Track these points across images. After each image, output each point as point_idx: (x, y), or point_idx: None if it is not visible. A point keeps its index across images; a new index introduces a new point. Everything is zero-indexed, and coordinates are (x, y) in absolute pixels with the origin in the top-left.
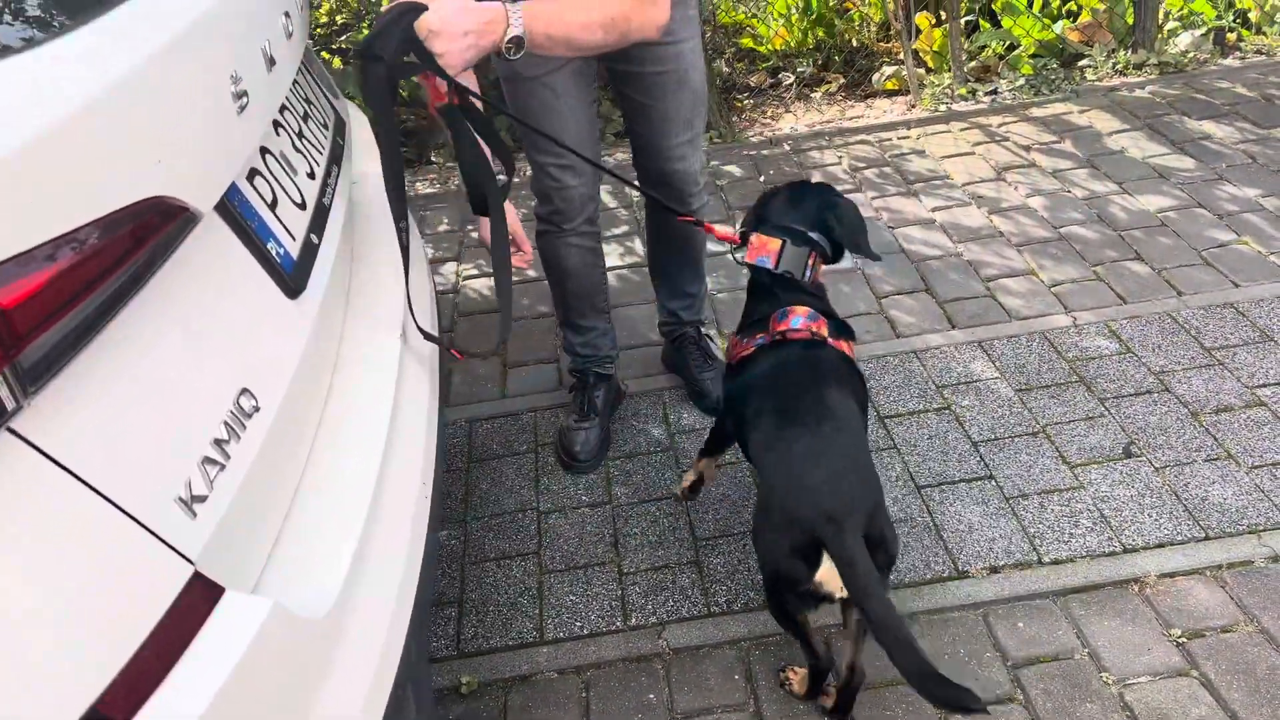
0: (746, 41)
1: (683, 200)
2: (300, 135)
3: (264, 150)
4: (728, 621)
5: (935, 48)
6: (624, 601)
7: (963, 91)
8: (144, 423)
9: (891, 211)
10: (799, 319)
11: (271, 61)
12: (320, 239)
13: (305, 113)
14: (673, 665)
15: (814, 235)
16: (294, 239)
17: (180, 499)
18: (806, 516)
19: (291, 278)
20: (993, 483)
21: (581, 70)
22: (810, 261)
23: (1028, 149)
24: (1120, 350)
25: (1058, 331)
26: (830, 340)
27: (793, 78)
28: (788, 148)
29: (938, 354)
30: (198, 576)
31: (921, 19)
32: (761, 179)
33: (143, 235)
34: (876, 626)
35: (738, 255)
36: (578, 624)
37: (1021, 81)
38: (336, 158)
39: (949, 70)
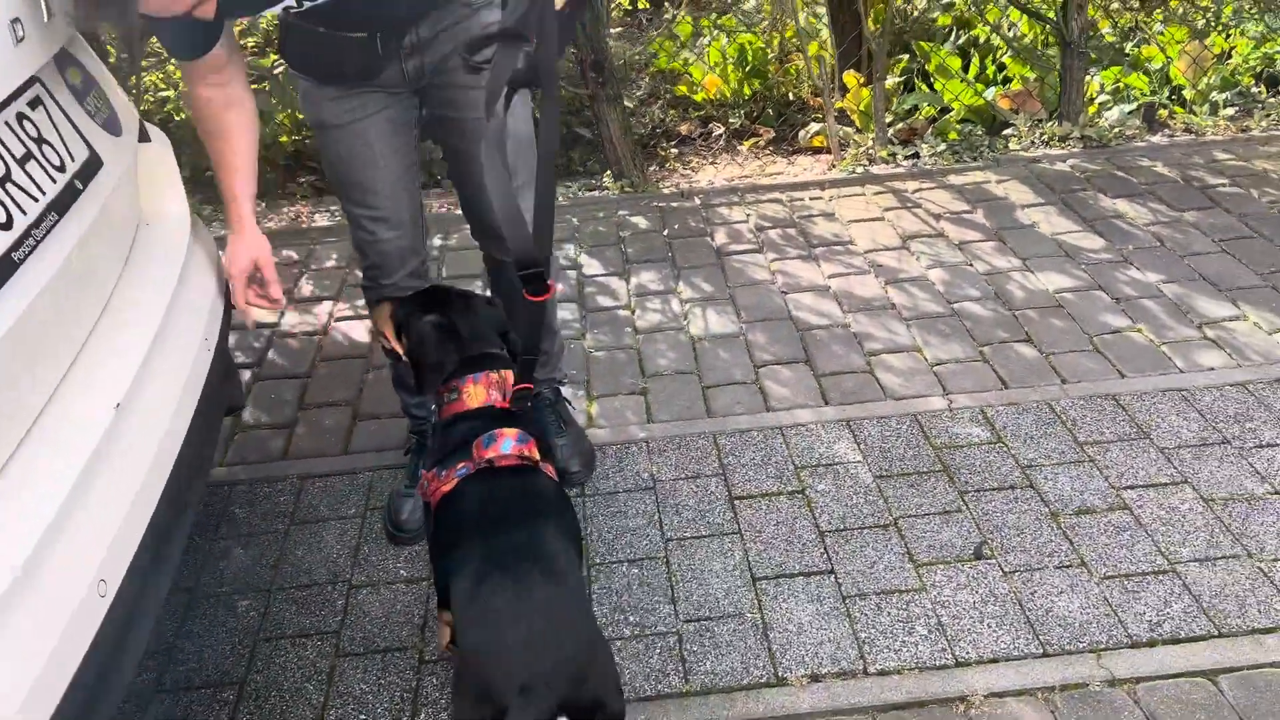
0: (681, 89)
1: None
2: (3, 180)
3: None
4: None
5: (862, 107)
6: (416, 694)
7: (883, 154)
8: None
9: (787, 276)
10: (509, 443)
11: None
12: None
13: (25, 154)
14: None
15: (500, 351)
16: None
17: None
18: (497, 688)
19: None
20: (832, 578)
21: (396, 118)
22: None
23: (938, 218)
24: (991, 439)
25: (930, 415)
26: (541, 464)
27: (723, 128)
28: (698, 201)
29: (804, 431)
30: None
31: (850, 77)
32: (665, 232)
33: None
34: None
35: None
36: (361, 717)
37: (944, 147)
38: (61, 206)
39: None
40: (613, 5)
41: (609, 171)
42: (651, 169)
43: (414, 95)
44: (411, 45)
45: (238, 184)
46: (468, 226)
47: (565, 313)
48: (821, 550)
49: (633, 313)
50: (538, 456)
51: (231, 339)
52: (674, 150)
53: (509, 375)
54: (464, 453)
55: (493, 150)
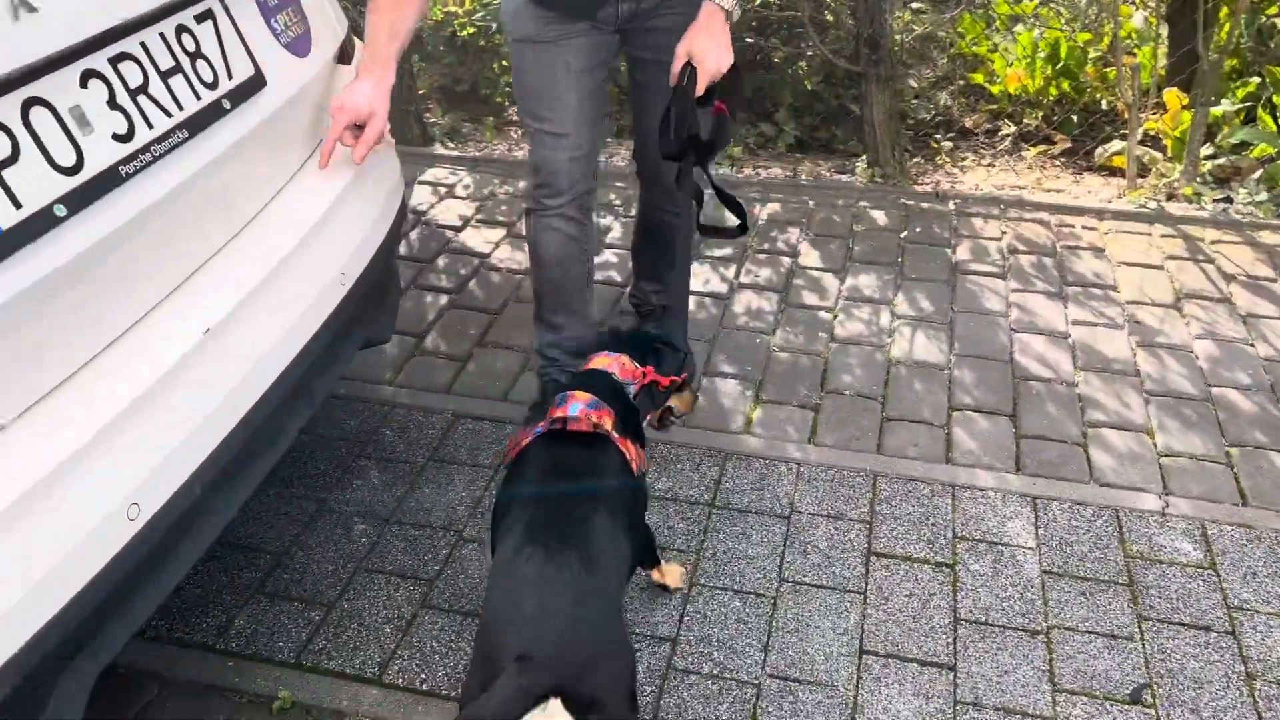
0: (978, 77)
1: (674, 200)
2: (137, 90)
3: (32, 101)
4: None
5: (1178, 132)
6: None
7: (1188, 191)
8: None
9: (1024, 312)
10: (578, 405)
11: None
12: (74, 210)
13: (172, 67)
14: None
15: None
16: (18, 207)
17: None
18: (497, 652)
19: None
20: (950, 676)
21: (596, 50)
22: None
23: (1230, 279)
24: (1202, 563)
25: (1137, 514)
26: (615, 437)
27: (1013, 129)
28: (952, 206)
29: (979, 497)
30: None
31: (1171, 95)
32: (903, 235)
33: None
34: None
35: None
36: (421, 676)
37: (1266, 197)
38: (198, 124)
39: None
40: None
41: (864, 157)
42: (915, 161)
43: (615, 34)
44: None
45: (391, 43)
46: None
47: (763, 302)
48: (950, 640)
49: (835, 317)
50: (609, 426)
51: (443, 260)
52: (948, 144)
53: (633, 364)
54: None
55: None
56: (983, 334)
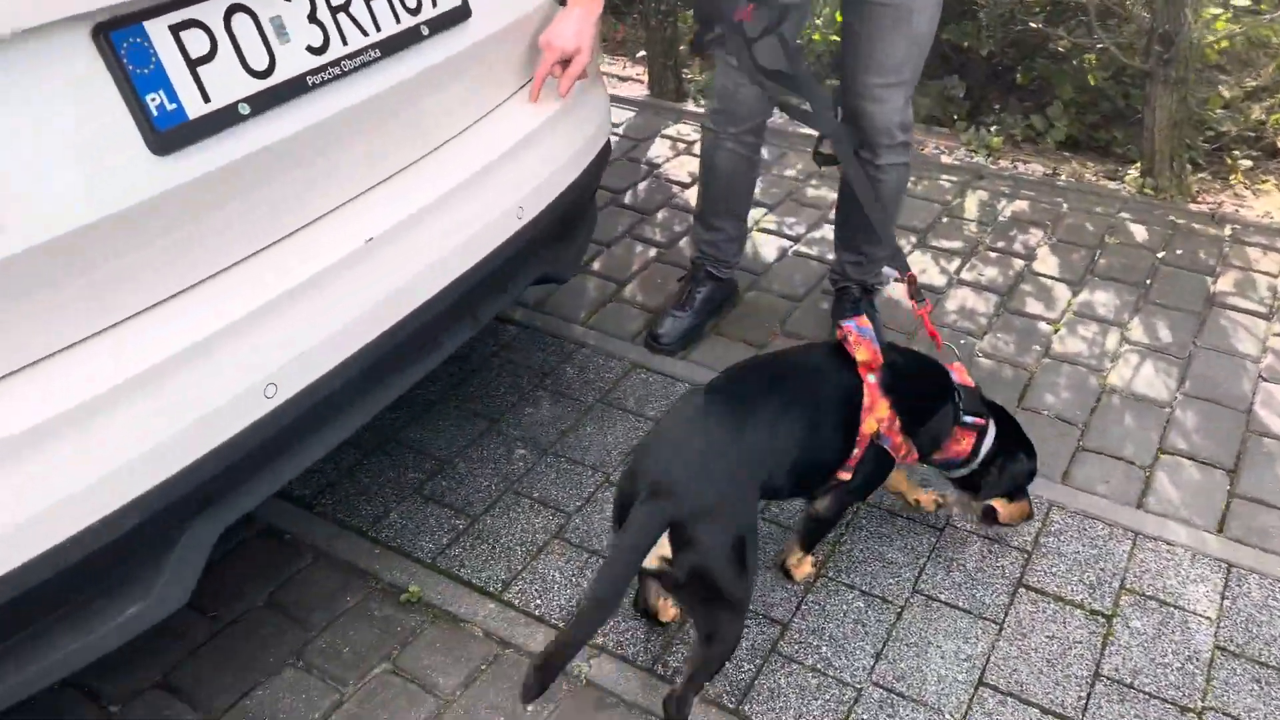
0: None
1: (871, 149)
2: (339, 8)
3: (236, 7)
4: (657, 687)
5: None
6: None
7: None
8: None
9: (1278, 356)
10: (853, 323)
11: None
12: (258, 110)
13: None
14: (572, 696)
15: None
16: (206, 100)
17: None
18: (639, 472)
19: (165, 134)
20: None
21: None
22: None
23: None
24: None
25: None
26: (871, 383)
27: None
28: (1228, 232)
29: (1164, 552)
30: None
31: None
32: (1160, 255)
33: None
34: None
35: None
36: (536, 601)
37: None
38: (392, 46)
39: None
40: None
41: (1138, 165)
42: (1200, 176)
43: None
44: None
45: None
46: None
47: (980, 302)
48: (1083, 694)
49: (1056, 330)
50: (864, 357)
51: (662, 214)
52: (1247, 162)
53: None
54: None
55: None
56: (1222, 376)
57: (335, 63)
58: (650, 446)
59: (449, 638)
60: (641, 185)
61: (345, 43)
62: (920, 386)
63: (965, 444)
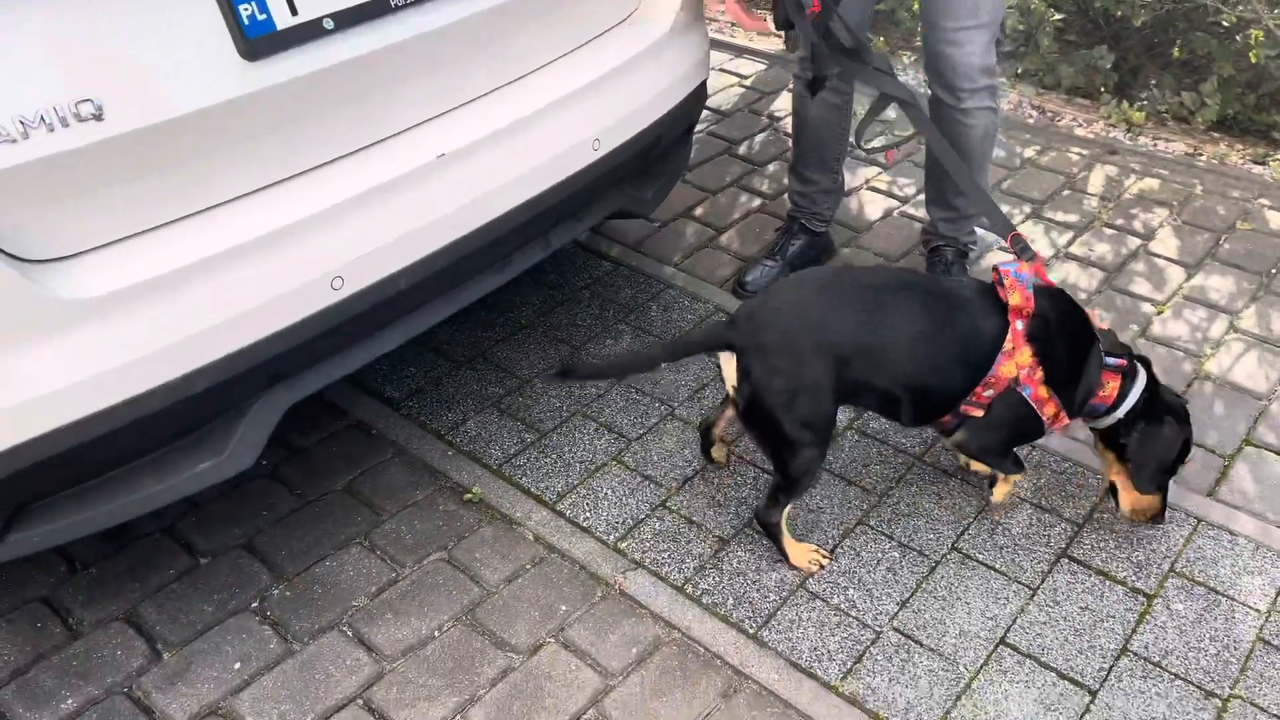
0: None
1: (953, 93)
2: None
3: None
4: (685, 605)
5: None
6: (635, 527)
7: None
8: None
9: None
10: (1013, 266)
11: None
12: (341, 27)
13: None
14: (605, 601)
15: None
16: (293, 12)
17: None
18: (739, 314)
19: (256, 42)
20: (1085, 699)
21: None
22: (1122, 364)
23: None
24: None
25: None
26: (1014, 336)
27: None
28: None
29: (1224, 540)
30: None
31: None
32: None
33: None
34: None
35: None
36: (585, 514)
37: None
38: None
39: None
40: None
41: None
42: None
43: None
44: None
45: None
46: None
47: (1084, 277)
48: (1105, 666)
49: (1160, 313)
50: (1016, 301)
51: (772, 167)
52: None
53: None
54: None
55: None
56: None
57: None
58: (760, 295)
59: (502, 537)
60: (759, 137)
61: None
62: (1066, 337)
63: (1110, 388)
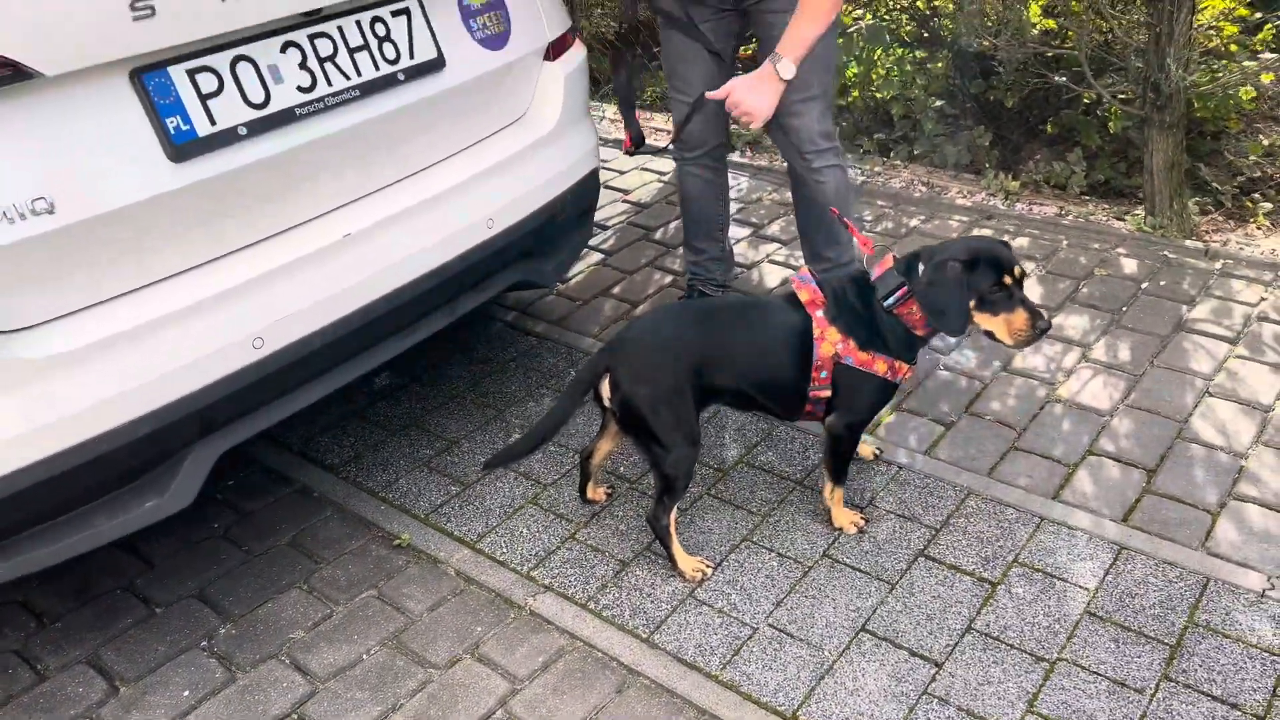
0: None
1: (802, 157)
2: (326, 59)
3: (240, 57)
4: (587, 619)
5: None
6: (545, 558)
7: None
8: None
9: (1234, 378)
10: (797, 275)
11: None
12: (253, 133)
13: (360, 45)
14: (517, 621)
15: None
16: (212, 123)
17: None
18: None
19: (181, 148)
20: (931, 670)
21: (719, 30)
22: (899, 292)
23: None
24: (1273, 648)
25: (1228, 588)
26: (818, 324)
27: None
28: (1218, 266)
29: (1062, 534)
30: None
31: None
32: (1144, 285)
33: None
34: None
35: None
36: (502, 550)
37: None
38: (371, 88)
39: None
40: (1192, 24)
41: (1144, 205)
42: (1211, 218)
43: (740, 15)
44: None
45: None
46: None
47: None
48: (950, 643)
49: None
50: (805, 297)
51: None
52: (1267, 205)
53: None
54: None
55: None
56: (1168, 391)
57: (320, 99)
58: (625, 327)
59: (427, 575)
60: (673, 224)
61: (330, 84)
62: (858, 305)
63: (913, 316)
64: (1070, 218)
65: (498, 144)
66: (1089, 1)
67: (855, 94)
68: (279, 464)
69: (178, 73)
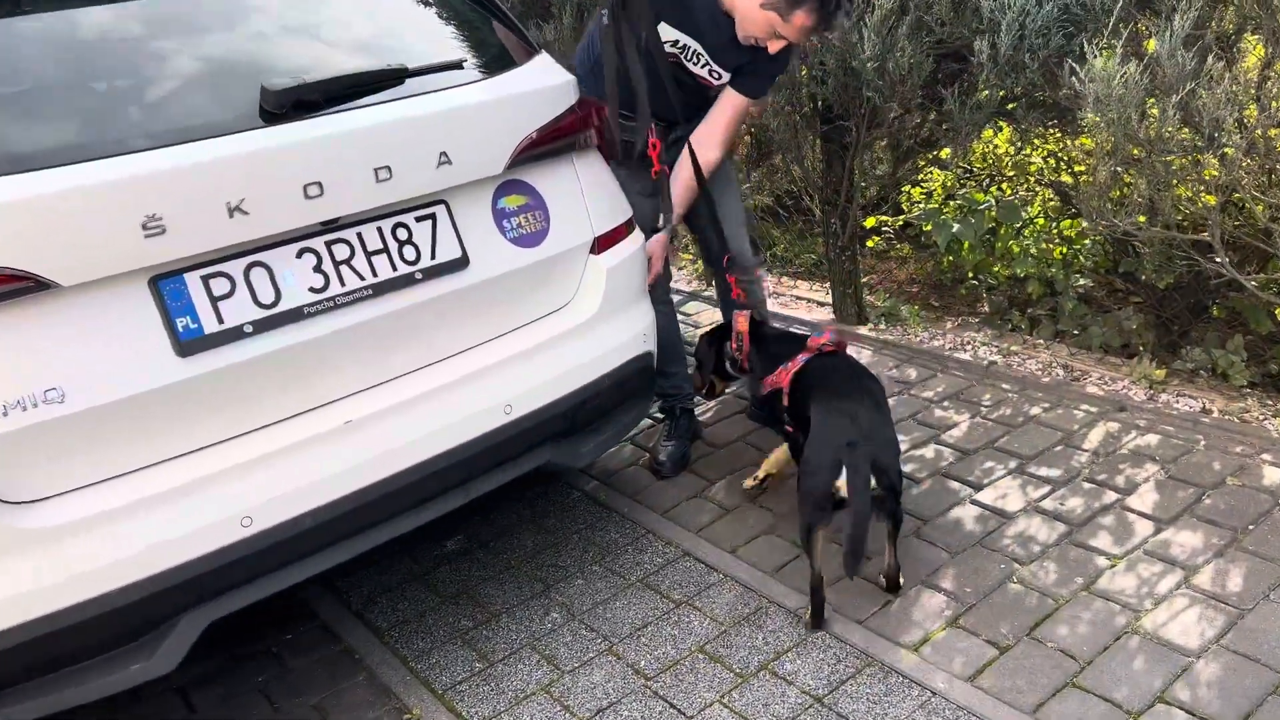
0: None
1: (747, 273)
2: (342, 262)
3: (255, 264)
4: None
5: None
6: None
7: None
8: None
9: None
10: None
11: (237, 211)
12: (259, 331)
13: (378, 249)
14: None
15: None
16: (220, 322)
17: None
18: (835, 447)
19: (187, 344)
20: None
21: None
22: None
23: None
24: None
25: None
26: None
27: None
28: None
29: None
30: None
31: None
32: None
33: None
34: (852, 514)
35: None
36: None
37: None
38: (385, 288)
39: None
40: None
41: None
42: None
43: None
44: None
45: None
46: None
47: (1044, 530)
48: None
49: (1113, 566)
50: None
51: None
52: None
53: None
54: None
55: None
56: (1277, 633)
57: (331, 299)
58: (831, 430)
59: None
60: None
61: (343, 284)
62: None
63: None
64: (1214, 414)
65: (523, 334)
66: (1225, 191)
67: (998, 268)
68: (335, 619)
69: (193, 278)
